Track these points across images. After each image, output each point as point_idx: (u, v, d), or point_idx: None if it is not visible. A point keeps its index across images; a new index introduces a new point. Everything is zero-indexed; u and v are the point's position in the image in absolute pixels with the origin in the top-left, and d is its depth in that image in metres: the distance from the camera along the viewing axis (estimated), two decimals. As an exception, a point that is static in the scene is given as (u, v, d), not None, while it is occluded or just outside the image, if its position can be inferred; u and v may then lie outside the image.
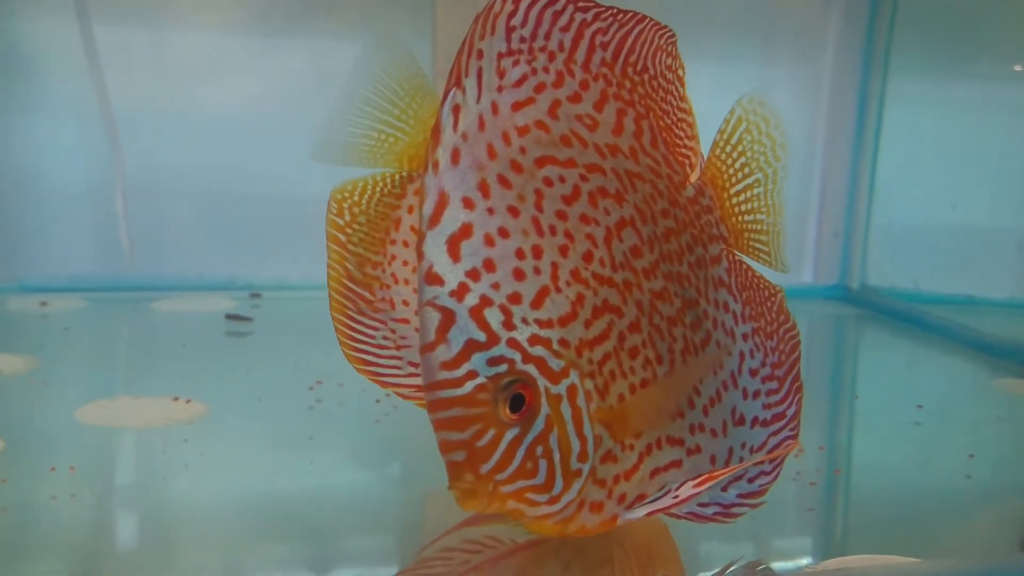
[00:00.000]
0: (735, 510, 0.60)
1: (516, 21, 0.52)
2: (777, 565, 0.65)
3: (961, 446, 0.87)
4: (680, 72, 0.61)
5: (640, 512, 0.56)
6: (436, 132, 0.50)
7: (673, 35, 0.60)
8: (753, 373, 0.60)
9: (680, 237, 0.58)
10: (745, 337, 0.60)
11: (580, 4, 0.54)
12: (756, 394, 0.60)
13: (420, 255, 0.50)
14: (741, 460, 0.60)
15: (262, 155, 1.43)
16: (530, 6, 0.52)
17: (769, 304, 0.61)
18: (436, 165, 0.50)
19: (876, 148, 1.59)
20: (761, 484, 0.60)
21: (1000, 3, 1.47)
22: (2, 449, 0.77)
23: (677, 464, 0.57)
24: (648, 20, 0.58)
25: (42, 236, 1.37)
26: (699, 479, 0.55)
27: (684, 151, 0.61)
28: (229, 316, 1.26)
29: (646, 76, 0.58)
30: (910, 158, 1.57)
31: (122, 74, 1.36)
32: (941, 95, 1.56)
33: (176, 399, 0.89)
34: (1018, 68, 1.44)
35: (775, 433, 0.60)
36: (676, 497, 0.55)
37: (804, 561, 0.67)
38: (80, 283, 1.38)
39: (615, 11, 0.56)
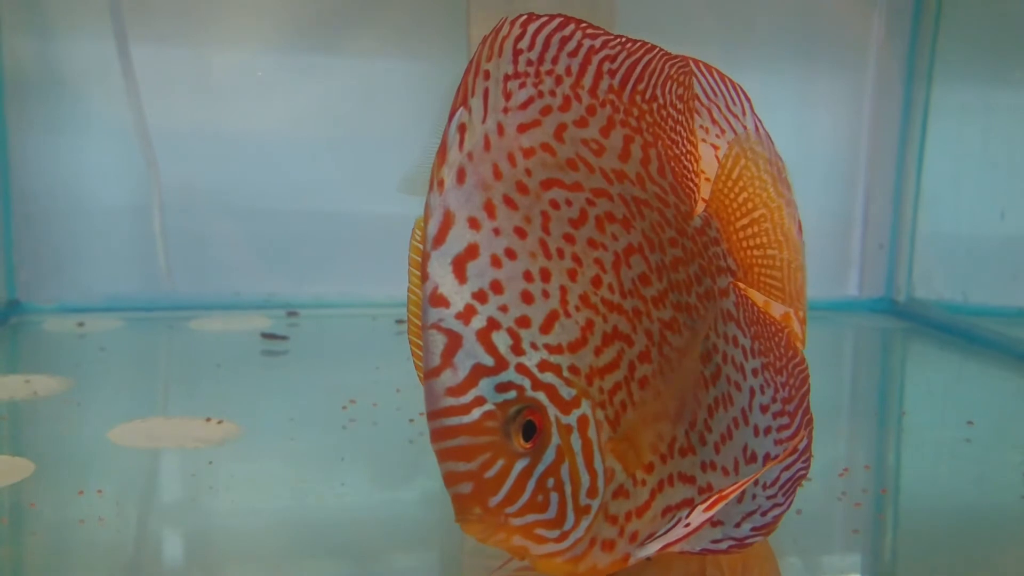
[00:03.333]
0: (748, 540, 0.58)
1: (523, 44, 0.51)
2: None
3: (1014, 464, 0.85)
4: (691, 103, 0.60)
5: (653, 547, 0.54)
6: (442, 151, 0.49)
7: (686, 65, 0.59)
8: (764, 409, 0.58)
9: (688, 267, 0.57)
10: (755, 373, 0.58)
11: (588, 31, 0.54)
12: (767, 430, 0.58)
13: (424, 275, 0.49)
14: (754, 498, 0.58)
15: (299, 174, 1.43)
16: (538, 30, 0.52)
17: (777, 339, 0.59)
18: (441, 184, 0.49)
19: (921, 158, 1.57)
20: (775, 515, 0.58)
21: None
22: (33, 471, 0.77)
23: (689, 502, 0.56)
24: (658, 50, 0.57)
25: (80, 256, 1.38)
26: (708, 503, 0.53)
27: (691, 182, 0.60)
28: (265, 335, 1.26)
29: (655, 105, 0.57)
30: (956, 167, 1.54)
31: (160, 94, 1.37)
32: (986, 103, 1.53)
33: (208, 420, 0.89)
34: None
35: (787, 468, 0.58)
36: (688, 526, 0.53)
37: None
38: (117, 303, 1.38)
39: (624, 39, 0.55)
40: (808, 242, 0.71)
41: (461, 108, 0.50)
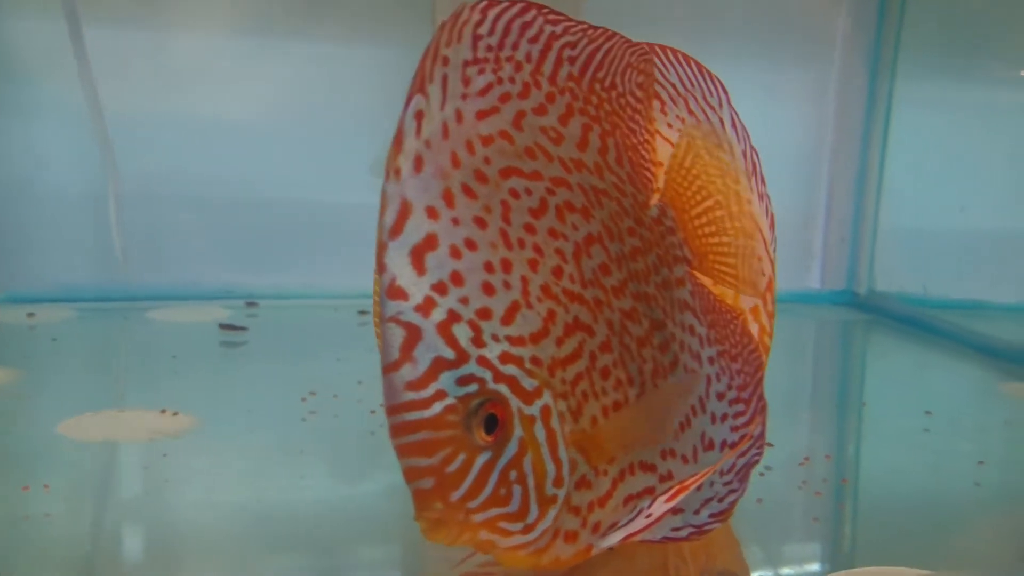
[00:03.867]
0: (707, 527, 0.59)
1: (483, 30, 0.51)
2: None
3: (970, 452, 0.86)
4: (651, 91, 0.60)
5: (615, 537, 0.54)
6: (398, 139, 0.48)
7: (647, 53, 0.59)
8: (720, 397, 0.59)
9: (647, 257, 0.57)
10: (711, 360, 0.59)
11: (550, 17, 0.53)
12: (724, 417, 0.58)
13: (381, 267, 0.48)
14: (712, 485, 0.58)
15: (260, 161, 1.41)
16: (498, 16, 0.51)
17: (732, 327, 0.59)
18: (398, 172, 0.48)
19: (884, 152, 1.58)
20: (731, 501, 0.59)
21: (1008, 6, 1.45)
22: (-21, 465, 0.75)
23: (650, 491, 0.56)
24: (619, 37, 0.57)
25: (31, 245, 1.35)
26: (669, 493, 0.53)
27: (647, 171, 0.60)
28: (223, 326, 1.24)
29: (614, 93, 0.57)
30: (918, 162, 1.55)
31: (115, 78, 1.34)
32: (949, 98, 1.55)
33: (163, 412, 0.87)
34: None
35: (742, 454, 0.59)
36: (649, 516, 0.53)
37: (806, 574, 0.65)
38: (71, 293, 1.36)
39: (586, 26, 0.55)
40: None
41: (418, 95, 0.49)
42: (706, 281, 0.61)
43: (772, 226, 0.71)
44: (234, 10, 1.39)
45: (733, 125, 0.68)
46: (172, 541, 0.66)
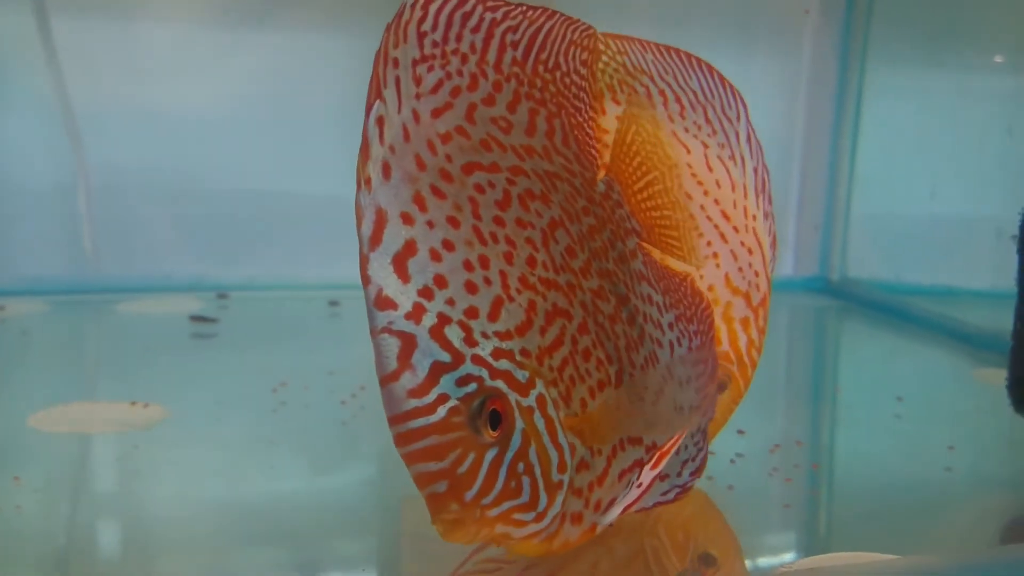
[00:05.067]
0: (689, 484, 0.62)
1: (427, 26, 0.51)
2: (751, 563, 0.63)
3: (941, 438, 0.86)
4: (595, 67, 0.61)
5: (614, 512, 0.56)
6: (364, 147, 0.49)
7: (589, 29, 0.60)
8: (683, 361, 0.60)
9: (602, 234, 0.58)
10: (671, 327, 0.59)
11: (489, 3, 0.54)
12: (688, 380, 0.59)
13: (366, 279, 0.48)
14: (686, 448, 0.61)
15: (230, 152, 1.40)
16: (439, 10, 0.52)
17: (683, 290, 0.61)
18: (368, 182, 0.48)
19: (855, 139, 1.58)
20: (702, 457, 0.62)
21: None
22: (-53, 458, 0.74)
23: (639, 463, 0.57)
24: (559, 16, 0.57)
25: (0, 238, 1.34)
26: (653, 461, 0.56)
27: (592, 148, 0.61)
28: (194, 318, 1.24)
29: (558, 73, 0.57)
30: (889, 149, 1.56)
31: (83, 70, 1.33)
32: (919, 86, 1.55)
33: (134, 404, 0.87)
34: (999, 59, 1.43)
35: (704, 415, 0.61)
36: (640, 486, 0.55)
37: (779, 559, 0.65)
38: (41, 286, 1.34)
39: (525, 8, 0.55)
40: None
41: (377, 101, 0.49)
42: (655, 253, 0.63)
43: (774, 245, 0.72)
44: (202, 1, 1.38)
45: (748, 140, 0.69)
46: (142, 532, 0.66)
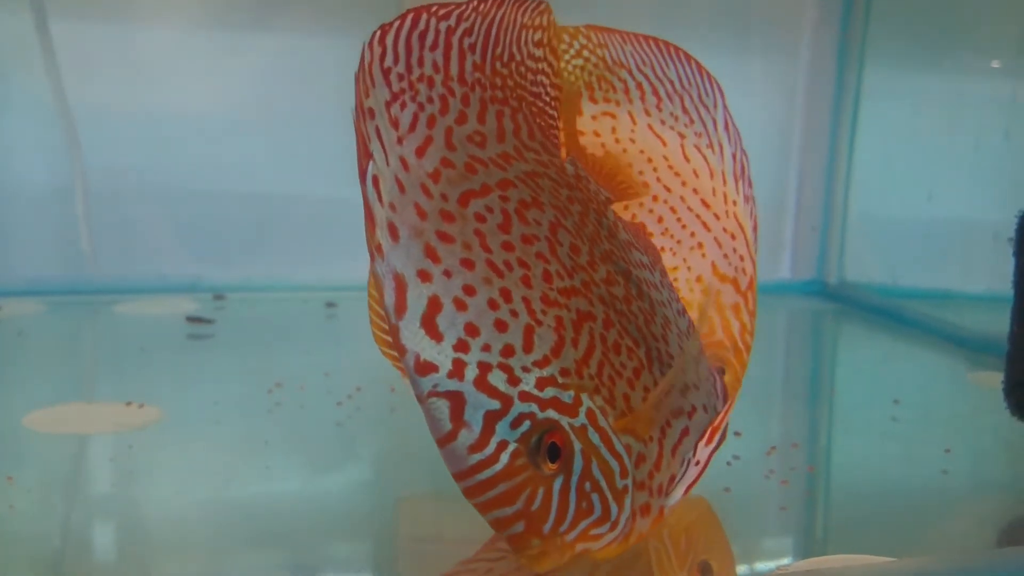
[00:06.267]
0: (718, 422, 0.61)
1: (388, 61, 0.52)
2: (746, 567, 0.63)
3: (937, 441, 0.86)
4: (554, 42, 0.61)
5: (678, 492, 0.56)
6: (368, 214, 0.50)
7: (540, 4, 0.60)
8: (681, 312, 0.61)
9: (589, 217, 0.58)
10: (661, 283, 0.60)
11: (439, 12, 0.54)
12: (688, 332, 0.60)
13: (401, 349, 0.49)
14: (711, 397, 0.60)
15: (227, 154, 1.40)
16: (396, 40, 0.52)
17: (648, 242, 0.62)
18: (380, 249, 0.50)
19: (852, 142, 1.58)
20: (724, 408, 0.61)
21: (975, -4, 1.46)
22: (-59, 458, 0.74)
23: (686, 432, 0.56)
24: (509, 1, 0.57)
25: (-3, 239, 1.34)
26: (705, 436, 0.56)
27: (554, 130, 0.61)
28: (191, 319, 1.24)
29: (513, 65, 0.58)
30: (886, 152, 1.56)
31: (82, 72, 1.33)
32: (916, 88, 1.55)
33: (129, 404, 0.87)
34: (996, 64, 1.43)
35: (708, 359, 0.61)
36: (699, 463, 0.56)
37: (774, 562, 0.65)
38: (39, 287, 1.34)
39: (474, 4, 0.55)
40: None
41: (368, 161, 0.50)
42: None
43: (755, 228, 0.72)
44: (199, 3, 1.38)
45: (726, 127, 0.70)
46: (137, 532, 0.66)
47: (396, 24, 0.53)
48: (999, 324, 0.85)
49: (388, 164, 0.51)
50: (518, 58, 0.58)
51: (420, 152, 0.52)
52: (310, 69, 1.40)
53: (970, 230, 1.43)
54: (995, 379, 0.86)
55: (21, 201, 1.34)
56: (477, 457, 0.49)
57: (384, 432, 0.86)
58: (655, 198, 0.69)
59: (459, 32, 0.55)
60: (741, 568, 0.63)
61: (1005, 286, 0.85)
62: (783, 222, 1.63)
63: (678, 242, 0.70)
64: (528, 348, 0.51)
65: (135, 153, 1.37)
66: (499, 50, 0.57)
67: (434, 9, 0.54)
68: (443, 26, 0.54)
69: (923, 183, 1.48)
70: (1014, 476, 0.84)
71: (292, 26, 1.40)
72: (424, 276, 0.50)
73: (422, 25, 0.53)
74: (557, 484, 0.50)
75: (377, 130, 0.51)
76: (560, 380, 0.51)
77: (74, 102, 1.33)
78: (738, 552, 0.66)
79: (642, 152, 0.69)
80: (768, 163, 1.60)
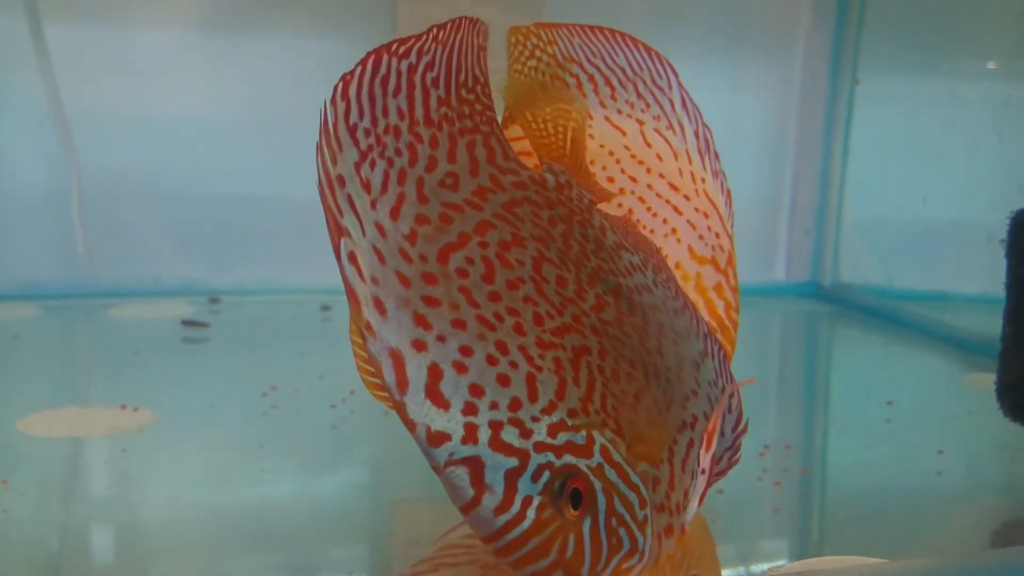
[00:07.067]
0: (737, 443, 0.59)
1: (354, 117, 0.51)
2: (738, 569, 0.63)
3: (931, 442, 0.86)
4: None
5: (693, 505, 0.56)
6: (350, 294, 0.49)
7: (478, 22, 0.57)
8: (677, 313, 0.59)
9: (573, 234, 0.56)
10: (655, 284, 0.59)
11: (398, 51, 0.52)
12: (687, 332, 0.58)
13: (410, 424, 0.48)
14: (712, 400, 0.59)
15: (222, 157, 1.40)
16: (359, 92, 0.51)
17: (640, 236, 0.60)
18: (369, 327, 0.49)
19: (847, 144, 1.59)
20: (738, 406, 0.59)
21: (969, 1, 1.47)
22: (-65, 462, 0.74)
23: (691, 444, 0.56)
24: (464, 22, 0.55)
25: (-9, 243, 1.34)
26: (704, 444, 0.55)
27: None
28: (186, 322, 1.23)
29: (479, 88, 0.56)
30: (881, 154, 1.56)
31: (76, 75, 1.33)
32: (910, 91, 1.56)
33: (124, 407, 0.87)
34: (991, 66, 1.43)
35: (712, 357, 0.59)
36: (704, 472, 0.55)
37: (768, 563, 0.65)
38: (33, 290, 1.34)
39: (434, 33, 0.54)
40: (735, 227, 0.71)
41: (341, 239, 0.49)
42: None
43: (729, 202, 0.71)
44: (194, 5, 1.38)
45: (684, 105, 0.68)
46: (131, 536, 0.66)
47: (357, 72, 0.51)
48: (993, 325, 0.85)
49: (364, 235, 0.50)
50: (481, 79, 0.56)
51: (394, 213, 0.51)
52: (304, 72, 1.40)
53: (965, 232, 1.43)
54: (989, 380, 0.86)
55: (16, 204, 1.34)
56: (504, 518, 0.49)
57: (378, 435, 0.86)
58: (622, 191, 0.69)
59: (421, 69, 0.53)
60: (736, 570, 0.63)
61: (999, 288, 0.85)
62: (778, 224, 1.63)
63: (651, 232, 0.68)
64: (533, 397, 0.50)
65: (130, 156, 1.37)
66: (463, 76, 0.55)
67: (394, 48, 0.52)
68: (404, 65, 0.52)
69: (917, 185, 1.48)
70: (1007, 478, 0.84)
71: (286, 29, 1.40)
72: (419, 346, 0.49)
73: (383, 69, 0.52)
74: (586, 527, 0.50)
75: (349, 199, 0.50)
76: (569, 423, 0.50)
77: (69, 105, 1.33)
78: (732, 554, 0.66)
79: (602, 146, 0.68)
80: (763, 165, 1.61)
